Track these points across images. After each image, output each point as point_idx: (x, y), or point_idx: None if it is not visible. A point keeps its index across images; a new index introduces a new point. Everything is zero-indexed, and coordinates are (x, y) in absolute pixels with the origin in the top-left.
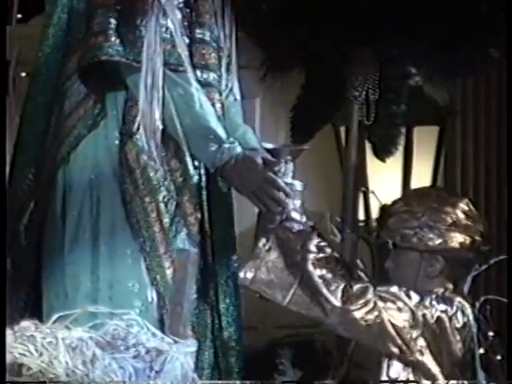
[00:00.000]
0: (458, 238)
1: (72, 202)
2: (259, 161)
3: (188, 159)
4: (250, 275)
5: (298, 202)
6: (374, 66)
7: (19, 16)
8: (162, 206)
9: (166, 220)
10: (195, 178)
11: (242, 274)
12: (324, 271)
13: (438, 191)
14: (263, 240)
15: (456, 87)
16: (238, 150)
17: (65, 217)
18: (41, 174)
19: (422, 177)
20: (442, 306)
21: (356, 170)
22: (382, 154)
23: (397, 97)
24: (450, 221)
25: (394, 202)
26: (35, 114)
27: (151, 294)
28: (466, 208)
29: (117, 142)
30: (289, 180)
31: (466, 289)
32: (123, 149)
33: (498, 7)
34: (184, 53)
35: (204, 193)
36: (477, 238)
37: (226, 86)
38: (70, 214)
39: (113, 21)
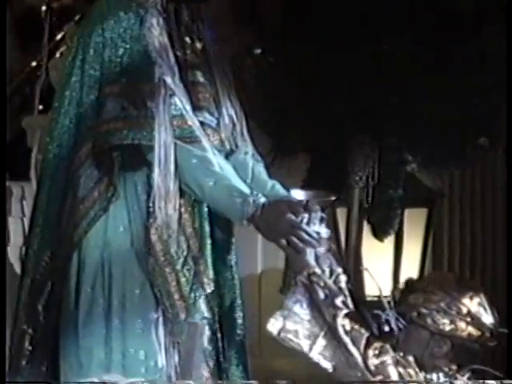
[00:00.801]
0: (468, 329)
1: (85, 279)
2: (284, 207)
3: (205, 227)
4: (277, 326)
5: (322, 249)
6: (373, 153)
7: (40, 107)
8: (180, 275)
9: (186, 288)
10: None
11: (269, 325)
12: (348, 327)
13: (459, 280)
14: (291, 292)
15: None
16: (262, 200)
17: (79, 292)
18: (57, 256)
19: (411, 254)
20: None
21: (355, 248)
22: (380, 234)
23: (394, 182)
24: (465, 312)
25: (420, 280)
26: (48, 200)
27: (161, 361)
28: (482, 302)
29: (126, 221)
30: (316, 228)
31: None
32: (138, 226)
33: (493, 105)
34: (196, 125)
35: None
36: (486, 333)
37: (246, 152)
38: (84, 290)
39: (122, 107)
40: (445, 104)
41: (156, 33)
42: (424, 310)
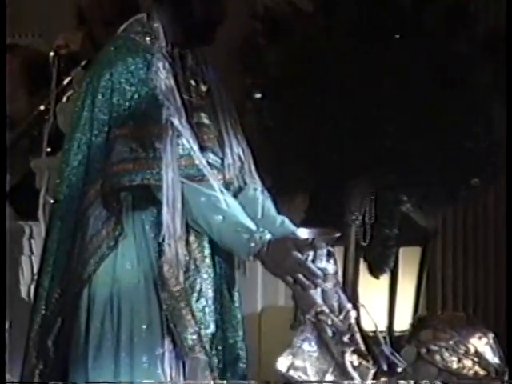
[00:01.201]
0: (474, 368)
1: (95, 314)
2: (290, 244)
3: (217, 260)
4: (286, 363)
5: (329, 285)
6: (370, 193)
7: (48, 150)
8: (194, 307)
9: (200, 323)
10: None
11: (278, 364)
12: (356, 362)
13: (469, 320)
14: (300, 330)
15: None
16: (268, 236)
17: (89, 328)
18: (67, 293)
19: (406, 291)
20: None
21: (352, 285)
22: (376, 272)
23: (390, 221)
24: (473, 351)
25: (432, 317)
26: (59, 240)
27: None
28: (490, 343)
29: (134, 259)
30: (322, 265)
31: None
32: (145, 264)
33: (485, 149)
34: (202, 164)
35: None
36: (492, 373)
37: (255, 189)
38: (94, 325)
39: (131, 149)
40: (438, 147)
41: (162, 76)
42: (433, 347)
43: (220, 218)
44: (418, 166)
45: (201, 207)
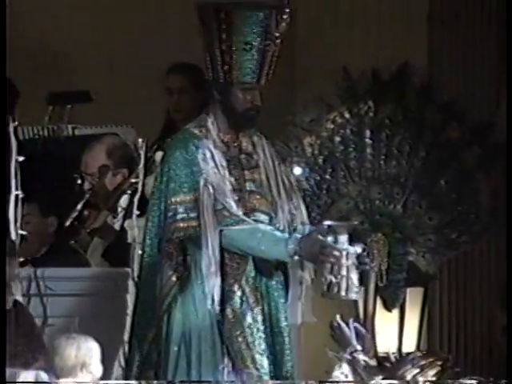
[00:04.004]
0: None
1: (173, 341)
2: (315, 235)
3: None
4: None
5: (349, 262)
6: (385, 246)
7: (137, 212)
8: (247, 332)
9: (250, 340)
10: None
11: None
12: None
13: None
14: (338, 366)
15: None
16: (298, 236)
17: (168, 351)
18: (153, 327)
19: (412, 321)
20: None
21: (370, 317)
22: (389, 306)
23: (400, 268)
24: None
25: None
26: (145, 282)
27: None
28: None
29: (197, 298)
30: (345, 246)
31: None
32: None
33: (476, 212)
34: (239, 214)
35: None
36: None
37: (303, 223)
38: (172, 349)
39: (181, 211)
40: (438, 211)
41: (208, 156)
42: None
43: (258, 240)
44: (422, 226)
45: (243, 239)
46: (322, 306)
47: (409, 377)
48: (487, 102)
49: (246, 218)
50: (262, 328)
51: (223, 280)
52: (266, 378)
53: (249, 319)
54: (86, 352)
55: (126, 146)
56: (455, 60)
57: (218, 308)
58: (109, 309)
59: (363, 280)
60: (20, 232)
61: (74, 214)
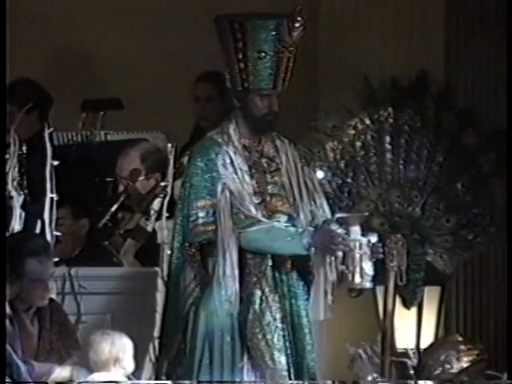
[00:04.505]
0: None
1: (197, 340)
2: (327, 227)
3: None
4: None
5: (362, 252)
6: (404, 247)
7: (167, 214)
8: (266, 330)
9: (269, 337)
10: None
11: None
12: None
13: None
14: (356, 361)
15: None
16: (311, 229)
17: (193, 349)
18: (179, 329)
19: (429, 319)
20: None
21: (390, 315)
22: (408, 305)
23: (418, 267)
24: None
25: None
26: (173, 281)
27: None
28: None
29: (217, 298)
30: (358, 236)
31: None
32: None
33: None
34: (257, 216)
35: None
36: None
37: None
38: (197, 347)
39: (202, 215)
40: (455, 213)
41: (227, 162)
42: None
43: (274, 238)
44: (438, 227)
45: (259, 239)
46: (343, 302)
47: (442, 357)
48: (502, 109)
49: (262, 219)
50: (280, 326)
51: (244, 280)
52: (284, 374)
53: (268, 317)
54: (119, 347)
55: (159, 151)
56: (471, 68)
57: (236, 309)
58: (139, 306)
59: (377, 269)
60: (54, 233)
61: (108, 216)
